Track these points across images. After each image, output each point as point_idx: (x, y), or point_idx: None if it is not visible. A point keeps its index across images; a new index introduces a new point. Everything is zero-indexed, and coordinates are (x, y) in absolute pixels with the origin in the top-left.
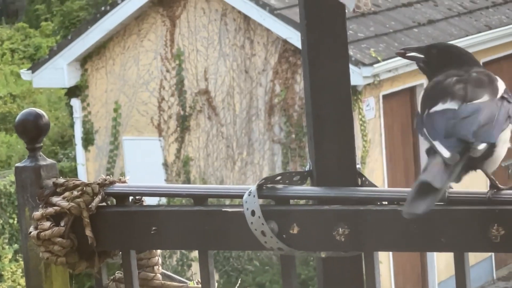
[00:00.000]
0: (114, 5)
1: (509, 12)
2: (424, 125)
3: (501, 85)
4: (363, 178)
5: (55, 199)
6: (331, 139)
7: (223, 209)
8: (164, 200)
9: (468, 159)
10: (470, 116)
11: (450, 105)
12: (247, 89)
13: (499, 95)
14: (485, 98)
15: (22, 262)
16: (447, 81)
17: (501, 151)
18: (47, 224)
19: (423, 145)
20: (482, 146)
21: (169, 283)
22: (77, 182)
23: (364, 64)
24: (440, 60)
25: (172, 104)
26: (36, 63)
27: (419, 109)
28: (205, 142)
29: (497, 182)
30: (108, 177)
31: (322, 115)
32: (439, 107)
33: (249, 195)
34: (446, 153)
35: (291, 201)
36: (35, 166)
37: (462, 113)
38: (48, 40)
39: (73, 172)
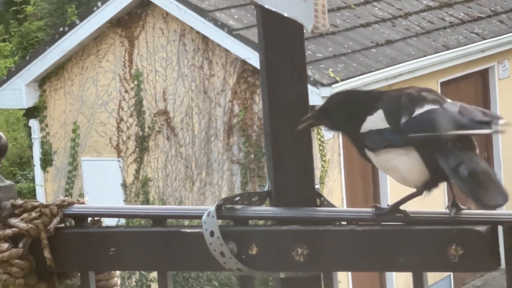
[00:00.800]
0: (72, 26)
1: (467, 32)
2: (418, 124)
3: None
4: (322, 198)
5: (13, 221)
6: (290, 159)
7: (182, 230)
8: (123, 221)
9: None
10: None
11: (433, 106)
12: (206, 110)
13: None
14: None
15: None
16: (402, 98)
17: None
18: (5, 245)
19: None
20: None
21: None
22: (36, 204)
23: (322, 85)
24: (349, 105)
25: (130, 125)
26: None
27: (383, 125)
28: (164, 163)
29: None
30: (66, 198)
31: (280, 135)
32: (426, 108)
33: (208, 215)
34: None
35: (250, 222)
36: None
37: (453, 108)
38: (6, 61)
39: (32, 193)
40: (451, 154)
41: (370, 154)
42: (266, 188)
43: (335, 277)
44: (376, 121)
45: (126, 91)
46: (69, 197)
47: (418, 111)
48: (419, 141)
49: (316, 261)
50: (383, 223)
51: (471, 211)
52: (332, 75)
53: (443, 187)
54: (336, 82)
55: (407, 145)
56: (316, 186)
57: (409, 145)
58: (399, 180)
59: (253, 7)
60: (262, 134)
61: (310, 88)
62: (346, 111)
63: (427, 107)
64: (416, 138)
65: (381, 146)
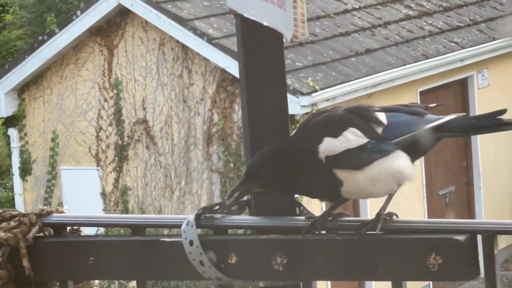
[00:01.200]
0: (51, 34)
1: (446, 41)
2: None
3: None
4: (301, 208)
5: None
6: None
7: (161, 239)
8: (102, 230)
9: None
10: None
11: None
12: (185, 119)
13: None
14: None
15: None
16: (357, 112)
17: None
18: None
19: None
20: None
21: None
22: (14, 213)
23: (302, 93)
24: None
25: (110, 134)
26: None
27: (364, 140)
28: (143, 172)
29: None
30: (45, 207)
31: (260, 144)
32: (385, 115)
33: (187, 224)
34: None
35: (230, 231)
36: None
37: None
38: None
39: (11, 202)
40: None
41: (347, 173)
42: (245, 197)
43: (314, 286)
44: (351, 139)
45: (105, 100)
46: (48, 206)
47: (385, 119)
48: (404, 142)
49: (295, 270)
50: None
51: (450, 220)
52: (311, 84)
53: (423, 196)
54: (316, 91)
55: (396, 150)
56: (296, 196)
57: (397, 149)
58: (383, 191)
59: (232, 16)
60: (242, 143)
61: (290, 97)
62: (279, 158)
63: (386, 114)
64: (402, 141)
65: (372, 160)
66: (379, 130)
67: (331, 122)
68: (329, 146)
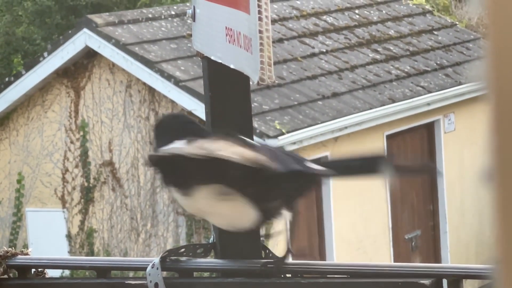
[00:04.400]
0: (18, 76)
1: (413, 85)
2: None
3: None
4: (267, 251)
5: None
6: None
7: (126, 282)
8: (67, 272)
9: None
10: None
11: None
12: None
13: None
14: None
15: None
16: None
17: None
18: None
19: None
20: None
21: None
22: None
23: (268, 136)
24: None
25: (76, 176)
26: None
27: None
28: (109, 214)
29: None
30: (10, 249)
31: None
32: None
33: (152, 267)
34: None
35: (195, 274)
36: None
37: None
38: None
39: None
40: None
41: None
42: (211, 240)
43: None
44: None
45: (71, 142)
46: (13, 248)
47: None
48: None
49: None
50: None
51: (416, 264)
52: (278, 127)
53: (389, 240)
54: (282, 134)
55: None
56: (261, 238)
57: None
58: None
59: (199, 58)
60: None
61: (256, 140)
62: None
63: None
64: None
65: None
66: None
67: None
68: None
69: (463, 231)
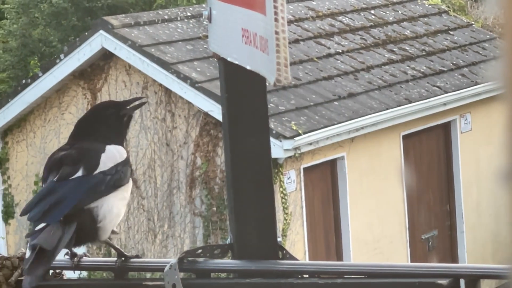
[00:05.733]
0: (35, 78)
1: (429, 85)
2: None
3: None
4: (284, 251)
5: None
6: (252, 212)
7: (143, 283)
8: (84, 273)
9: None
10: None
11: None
12: (168, 162)
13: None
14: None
15: None
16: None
17: (104, 223)
18: None
19: None
20: (40, 226)
21: None
22: None
23: (285, 137)
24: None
25: None
26: None
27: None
28: (126, 215)
29: (122, 250)
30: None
31: (243, 188)
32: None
33: (170, 268)
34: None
35: (212, 274)
36: None
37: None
38: None
39: None
40: None
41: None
42: (228, 241)
43: None
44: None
45: None
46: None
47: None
48: None
49: None
50: (345, 276)
51: (433, 264)
52: (294, 128)
53: (406, 240)
54: (299, 135)
55: None
56: (278, 239)
57: None
58: None
59: (215, 60)
60: (225, 186)
61: (273, 141)
62: None
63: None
64: None
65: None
66: None
67: None
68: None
69: (479, 231)
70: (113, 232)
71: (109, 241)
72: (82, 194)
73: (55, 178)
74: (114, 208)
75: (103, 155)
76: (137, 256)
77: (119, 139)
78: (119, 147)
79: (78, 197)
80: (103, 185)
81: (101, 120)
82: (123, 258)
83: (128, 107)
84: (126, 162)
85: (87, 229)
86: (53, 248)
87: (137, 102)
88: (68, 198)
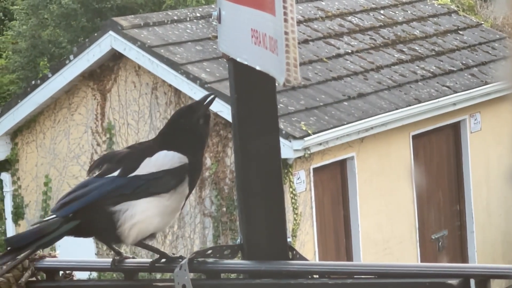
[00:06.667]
0: (44, 79)
1: (438, 85)
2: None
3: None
4: (294, 252)
5: None
6: (262, 212)
7: (153, 283)
8: (94, 274)
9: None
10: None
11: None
12: None
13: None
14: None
15: None
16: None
17: (123, 228)
18: None
19: None
20: (48, 218)
21: None
22: None
23: (294, 137)
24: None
25: None
26: None
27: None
28: None
29: (165, 252)
30: (38, 252)
31: (252, 188)
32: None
33: (180, 269)
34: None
35: (222, 275)
36: None
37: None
38: None
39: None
40: None
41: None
42: (238, 241)
43: None
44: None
45: (98, 144)
46: (41, 250)
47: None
48: None
49: None
50: (354, 276)
51: (443, 264)
52: (304, 128)
53: (415, 240)
54: (308, 135)
55: None
56: (288, 239)
57: None
58: None
59: (225, 60)
60: (234, 187)
61: (282, 141)
62: None
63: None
64: None
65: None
66: None
67: None
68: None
69: (489, 231)
70: (151, 236)
71: (143, 244)
72: (102, 194)
73: (95, 174)
74: (140, 215)
75: (147, 159)
76: (181, 257)
77: (191, 145)
78: (179, 155)
79: (96, 196)
80: (131, 189)
81: (175, 129)
82: (119, 257)
83: (201, 108)
84: (176, 171)
85: (101, 231)
86: (22, 246)
87: (208, 99)
88: (89, 196)
